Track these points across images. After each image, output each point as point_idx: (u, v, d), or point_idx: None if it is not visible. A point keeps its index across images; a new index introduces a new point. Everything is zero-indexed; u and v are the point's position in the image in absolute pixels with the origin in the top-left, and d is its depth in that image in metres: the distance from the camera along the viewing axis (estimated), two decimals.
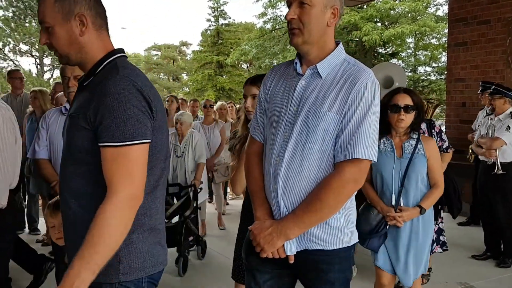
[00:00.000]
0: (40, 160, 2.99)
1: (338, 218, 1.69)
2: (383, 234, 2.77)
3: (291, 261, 1.70)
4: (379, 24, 21.94)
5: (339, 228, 1.70)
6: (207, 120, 6.09)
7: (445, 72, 7.25)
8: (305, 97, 1.65)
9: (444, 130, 3.62)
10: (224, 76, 30.41)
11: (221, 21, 32.69)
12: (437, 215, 3.37)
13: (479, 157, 4.84)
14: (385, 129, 2.76)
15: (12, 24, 27.91)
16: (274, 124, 1.73)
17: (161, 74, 41.84)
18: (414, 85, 23.08)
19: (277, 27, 23.88)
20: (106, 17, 1.55)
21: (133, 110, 1.37)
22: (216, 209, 6.05)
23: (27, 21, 28.63)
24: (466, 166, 5.87)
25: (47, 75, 30.01)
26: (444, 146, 3.63)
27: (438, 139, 3.57)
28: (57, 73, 28.86)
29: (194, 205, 4.59)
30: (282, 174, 1.67)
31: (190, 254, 4.57)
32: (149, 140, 1.42)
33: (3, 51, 28.29)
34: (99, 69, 1.49)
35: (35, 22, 28.51)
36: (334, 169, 1.63)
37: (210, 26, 32.75)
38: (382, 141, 2.78)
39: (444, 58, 22.33)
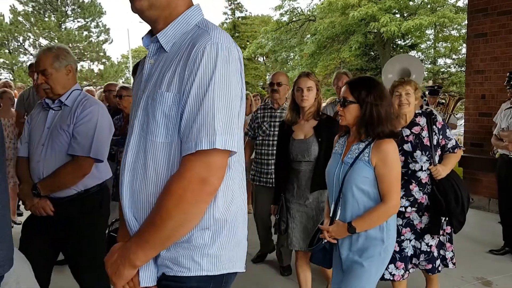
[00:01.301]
0: (19, 158, 2.74)
1: (203, 235, 1.26)
2: (322, 248, 2.42)
3: None
4: (397, 15, 21.62)
5: (199, 248, 1.26)
6: None
7: (465, 64, 7.12)
8: (150, 79, 1.30)
9: (447, 125, 3.11)
10: None
11: (238, 13, 32.71)
12: (438, 227, 2.91)
13: (499, 150, 4.76)
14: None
15: (32, 18, 28.40)
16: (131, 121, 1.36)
17: None
18: (434, 77, 22.76)
19: (294, 19, 23.75)
20: None
21: None
22: None
23: (46, 15, 29.08)
24: (484, 160, 5.77)
25: None
26: (449, 146, 3.05)
27: (441, 137, 3.02)
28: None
29: None
30: (126, 181, 1.29)
31: None
32: None
33: (23, 46, 28.85)
34: None
35: (54, 17, 28.92)
36: None
37: (226, 19, 32.80)
38: (340, 141, 2.46)
39: (464, 50, 21.93)
